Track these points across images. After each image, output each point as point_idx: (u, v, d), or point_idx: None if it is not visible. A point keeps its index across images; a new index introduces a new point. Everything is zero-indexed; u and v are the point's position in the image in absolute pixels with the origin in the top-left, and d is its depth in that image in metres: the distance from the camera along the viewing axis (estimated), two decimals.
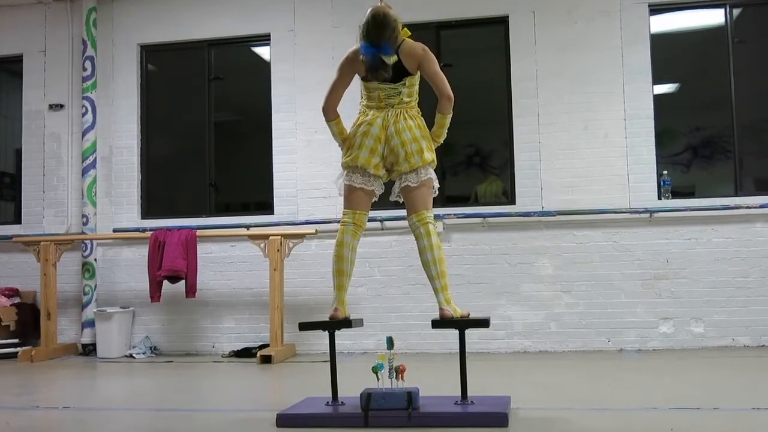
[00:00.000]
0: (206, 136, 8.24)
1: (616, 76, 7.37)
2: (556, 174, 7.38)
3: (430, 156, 4.33)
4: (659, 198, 7.24)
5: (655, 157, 7.29)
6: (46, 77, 8.47)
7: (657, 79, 7.39)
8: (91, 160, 8.17)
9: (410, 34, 4.34)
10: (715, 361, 6.36)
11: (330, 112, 4.47)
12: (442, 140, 4.49)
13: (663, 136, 7.43)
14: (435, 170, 4.43)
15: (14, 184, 8.72)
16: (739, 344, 6.99)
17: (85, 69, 8.21)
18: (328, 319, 4.34)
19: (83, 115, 8.19)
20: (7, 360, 7.56)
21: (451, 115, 4.41)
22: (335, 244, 4.38)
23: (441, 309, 4.21)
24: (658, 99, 7.39)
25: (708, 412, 4.23)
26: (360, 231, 4.41)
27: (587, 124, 7.39)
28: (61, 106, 8.40)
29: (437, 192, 4.46)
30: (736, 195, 7.20)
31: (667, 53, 7.46)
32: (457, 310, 4.24)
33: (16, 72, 8.65)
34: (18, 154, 8.64)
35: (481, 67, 7.99)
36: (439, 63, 4.41)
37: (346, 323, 4.34)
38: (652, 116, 7.30)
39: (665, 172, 7.28)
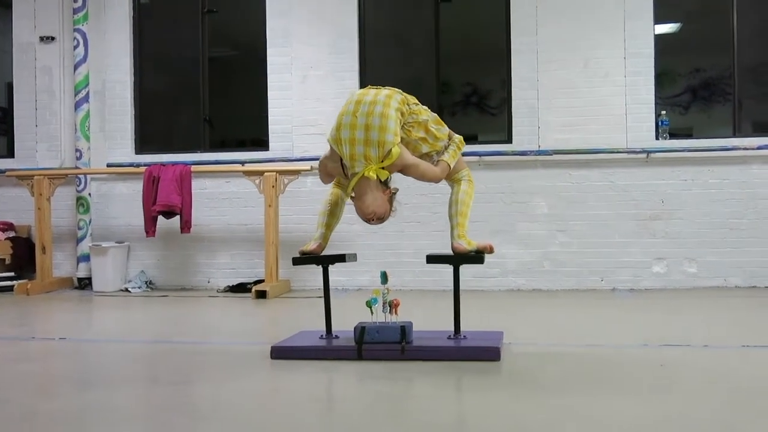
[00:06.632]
0: (200, 71, 8.12)
1: (618, 13, 7.24)
2: (554, 113, 7.32)
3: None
4: (657, 138, 7.20)
5: (654, 97, 7.22)
6: (36, 8, 8.29)
7: (659, 18, 7.27)
8: (84, 94, 8.06)
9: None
10: (706, 300, 6.41)
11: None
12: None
13: (662, 77, 7.35)
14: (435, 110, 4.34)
15: (6, 118, 8.62)
16: (730, 285, 7.04)
17: (75, 0, 8.04)
18: (307, 253, 4.30)
19: (75, 48, 8.05)
20: (3, 293, 7.58)
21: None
22: (329, 194, 4.37)
23: (453, 244, 4.17)
24: (659, 39, 7.28)
25: (698, 349, 4.28)
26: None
27: (587, 62, 7.29)
28: (53, 38, 8.25)
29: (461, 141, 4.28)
30: (734, 136, 7.17)
31: None
32: (471, 242, 4.18)
33: (5, 3, 8.47)
34: (9, 87, 8.52)
35: (480, 3, 7.84)
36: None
37: (340, 258, 4.34)
38: (653, 55, 7.20)
39: (663, 112, 7.22)
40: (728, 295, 6.63)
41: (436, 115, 4.22)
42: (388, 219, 4.09)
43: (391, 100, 3.95)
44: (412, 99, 4.13)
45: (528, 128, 7.36)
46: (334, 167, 4.07)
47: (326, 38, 7.73)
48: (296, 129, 7.78)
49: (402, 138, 3.96)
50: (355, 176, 3.89)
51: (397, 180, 4.11)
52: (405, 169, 4.00)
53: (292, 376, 3.77)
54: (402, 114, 3.97)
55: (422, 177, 4.11)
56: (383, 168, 3.87)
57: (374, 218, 3.96)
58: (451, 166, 4.18)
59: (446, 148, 4.20)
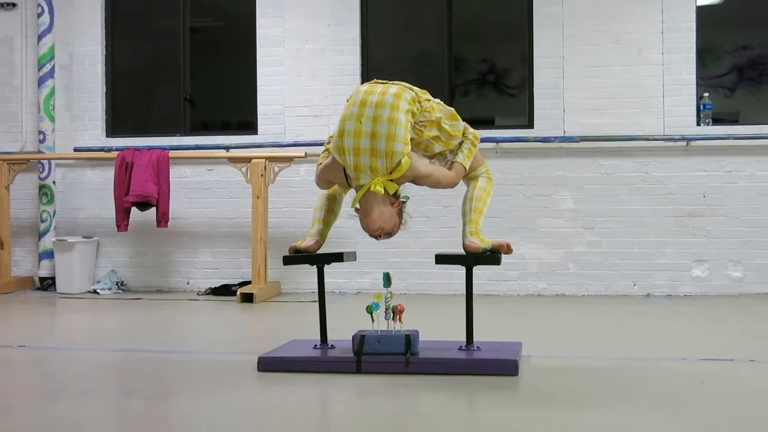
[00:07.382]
0: (181, 44, 8.12)
1: None
2: (581, 94, 7.30)
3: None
4: (698, 124, 7.18)
5: (695, 77, 7.20)
6: None
7: None
8: (49, 68, 8.05)
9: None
10: (753, 309, 6.41)
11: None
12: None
13: (705, 55, 7.33)
14: (441, 97, 4.33)
15: None
16: None
17: None
18: (300, 250, 4.31)
19: (39, 15, 8.03)
20: None
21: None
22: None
23: (464, 242, 4.16)
24: (702, 11, 7.26)
25: (743, 363, 4.26)
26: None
27: (618, 37, 7.27)
28: (14, 5, 8.25)
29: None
30: None
31: None
32: (485, 240, 4.17)
33: None
34: None
35: None
36: None
37: (337, 257, 4.34)
38: (694, 30, 7.18)
39: (706, 94, 7.20)
40: None
41: (451, 109, 4.18)
42: (398, 232, 4.11)
43: (399, 101, 3.88)
44: (424, 95, 4.07)
45: (552, 111, 7.34)
46: (338, 178, 4.06)
47: (324, 8, 7.71)
48: (288, 110, 7.77)
49: (413, 139, 3.94)
50: (360, 189, 3.88)
51: (408, 185, 4.09)
52: (417, 180, 4.00)
53: (282, 391, 3.77)
54: (413, 114, 3.94)
55: (437, 185, 4.13)
56: (392, 180, 3.87)
57: (382, 234, 3.99)
58: (467, 168, 4.17)
59: (460, 145, 4.17)
